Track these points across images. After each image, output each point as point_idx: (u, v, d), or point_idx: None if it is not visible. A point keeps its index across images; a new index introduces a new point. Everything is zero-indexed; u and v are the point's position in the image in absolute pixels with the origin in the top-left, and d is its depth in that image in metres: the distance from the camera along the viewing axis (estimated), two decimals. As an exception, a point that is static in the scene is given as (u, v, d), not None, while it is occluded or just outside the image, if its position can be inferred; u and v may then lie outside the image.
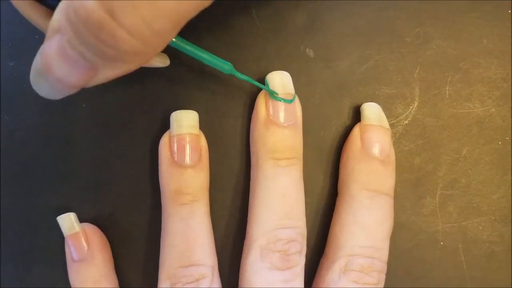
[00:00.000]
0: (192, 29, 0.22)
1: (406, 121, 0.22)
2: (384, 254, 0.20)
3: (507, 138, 0.22)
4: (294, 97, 0.20)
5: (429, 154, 0.22)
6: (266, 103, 0.20)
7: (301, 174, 0.20)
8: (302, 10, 0.22)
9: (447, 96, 0.22)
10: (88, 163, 0.22)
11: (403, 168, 0.22)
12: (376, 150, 0.20)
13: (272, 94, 0.20)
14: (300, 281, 0.19)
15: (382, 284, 0.20)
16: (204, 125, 0.21)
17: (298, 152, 0.20)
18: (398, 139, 0.22)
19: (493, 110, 0.22)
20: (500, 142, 0.22)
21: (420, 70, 0.22)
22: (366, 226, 0.19)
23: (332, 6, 0.22)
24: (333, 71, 0.22)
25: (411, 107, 0.22)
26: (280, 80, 0.20)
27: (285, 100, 0.20)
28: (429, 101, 0.22)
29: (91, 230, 0.21)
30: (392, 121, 0.22)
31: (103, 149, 0.22)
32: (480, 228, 0.22)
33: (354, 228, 0.20)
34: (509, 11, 0.22)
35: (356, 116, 0.21)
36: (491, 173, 0.22)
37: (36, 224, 0.22)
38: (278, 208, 0.19)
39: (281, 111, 0.20)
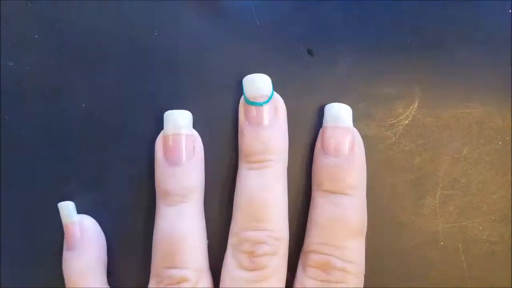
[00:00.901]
0: (193, 29, 0.22)
1: (406, 121, 0.22)
2: (346, 253, 0.19)
3: (507, 138, 0.22)
4: (270, 99, 0.20)
5: (429, 154, 0.22)
6: (244, 108, 0.21)
7: (279, 175, 0.20)
8: (302, 10, 0.22)
9: (448, 96, 0.22)
10: (88, 163, 0.22)
11: (403, 168, 0.22)
12: (330, 150, 0.20)
13: (246, 98, 0.20)
14: (270, 282, 0.19)
15: (350, 285, 0.19)
16: (201, 125, 0.21)
17: (275, 153, 0.20)
18: (398, 139, 0.22)
19: (493, 110, 0.22)
20: (500, 142, 0.22)
21: (421, 70, 0.22)
22: (319, 224, 0.20)
23: (332, 6, 0.22)
24: (333, 71, 0.22)
25: (411, 107, 0.22)
26: (251, 83, 0.21)
27: (256, 103, 0.20)
28: (429, 101, 0.22)
29: (88, 222, 0.21)
30: (392, 121, 0.22)
31: (103, 149, 0.22)
32: (480, 228, 0.22)
33: (309, 226, 0.20)
34: (510, 11, 0.22)
35: (356, 116, 0.21)
36: (491, 173, 0.22)
37: (36, 224, 0.22)
38: (245, 210, 0.20)
39: (251, 114, 0.20)
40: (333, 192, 0.20)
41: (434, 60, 0.22)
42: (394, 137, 0.22)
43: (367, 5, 0.22)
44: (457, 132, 0.22)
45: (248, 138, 0.20)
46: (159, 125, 0.21)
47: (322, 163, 0.20)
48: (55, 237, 0.22)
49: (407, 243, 0.22)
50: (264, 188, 0.20)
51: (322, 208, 0.20)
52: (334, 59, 0.22)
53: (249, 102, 0.20)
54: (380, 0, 0.22)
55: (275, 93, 0.21)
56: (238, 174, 0.21)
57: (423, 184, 0.22)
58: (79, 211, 0.21)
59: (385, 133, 0.22)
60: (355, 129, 0.21)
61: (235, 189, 0.21)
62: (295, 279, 0.20)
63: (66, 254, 0.21)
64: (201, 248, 0.20)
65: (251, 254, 0.19)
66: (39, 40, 0.22)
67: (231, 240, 0.20)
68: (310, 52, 0.22)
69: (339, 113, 0.21)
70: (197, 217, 0.20)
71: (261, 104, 0.20)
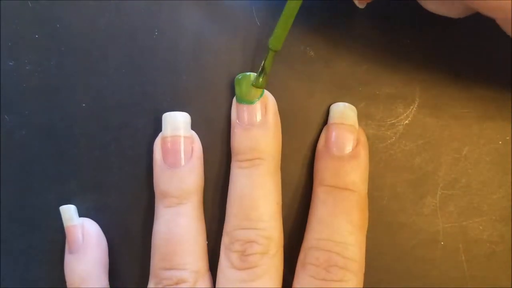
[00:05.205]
0: (193, 29, 0.22)
1: (407, 121, 0.22)
2: (346, 249, 0.19)
3: (507, 138, 0.22)
4: (260, 97, 0.20)
5: (429, 153, 0.22)
6: (236, 107, 0.21)
7: (269, 173, 0.20)
8: (302, 10, 0.22)
9: (448, 96, 0.22)
10: (88, 163, 0.22)
11: (403, 168, 0.22)
12: (335, 147, 0.20)
13: (237, 97, 0.21)
14: (262, 282, 0.19)
15: (350, 284, 0.19)
16: (201, 125, 0.21)
17: (264, 151, 0.20)
18: (398, 139, 0.22)
19: (493, 110, 0.22)
20: (500, 142, 0.22)
21: (421, 70, 0.22)
22: (321, 219, 0.20)
23: (332, 5, 0.22)
24: (333, 71, 0.22)
25: (411, 107, 0.22)
26: (239, 82, 0.21)
27: (245, 102, 0.20)
28: (429, 101, 0.22)
29: (90, 226, 0.21)
30: (393, 121, 0.22)
31: (103, 149, 0.22)
32: (481, 228, 0.22)
33: (311, 221, 0.20)
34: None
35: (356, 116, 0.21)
36: (492, 173, 0.22)
37: (36, 224, 0.22)
38: (236, 209, 0.20)
39: (242, 113, 0.20)
40: (336, 187, 0.20)
41: (434, 60, 0.22)
42: (394, 137, 0.22)
43: (367, 5, 0.22)
44: (457, 131, 0.22)
45: (238, 137, 0.20)
46: (159, 125, 0.21)
47: (326, 159, 0.20)
48: (55, 237, 0.22)
49: (407, 243, 0.22)
50: (254, 187, 0.20)
51: (324, 203, 0.20)
52: (334, 59, 0.22)
53: (239, 101, 0.20)
54: (381, 0, 0.22)
55: (266, 91, 0.21)
56: (230, 174, 0.21)
57: (423, 184, 0.22)
58: (79, 211, 0.22)
59: (385, 133, 0.22)
60: (361, 129, 0.21)
61: (228, 188, 0.21)
62: (294, 278, 0.20)
63: (68, 257, 0.21)
64: (200, 249, 0.20)
65: (242, 253, 0.19)
66: (39, 40, 0.22)
67: (224, 240, 0.20)
68: (310, 52, 0.22)
69: (345, 112, 0.21)
70: (196, 219, 0.20)
71: (252, 103, 0.20)
